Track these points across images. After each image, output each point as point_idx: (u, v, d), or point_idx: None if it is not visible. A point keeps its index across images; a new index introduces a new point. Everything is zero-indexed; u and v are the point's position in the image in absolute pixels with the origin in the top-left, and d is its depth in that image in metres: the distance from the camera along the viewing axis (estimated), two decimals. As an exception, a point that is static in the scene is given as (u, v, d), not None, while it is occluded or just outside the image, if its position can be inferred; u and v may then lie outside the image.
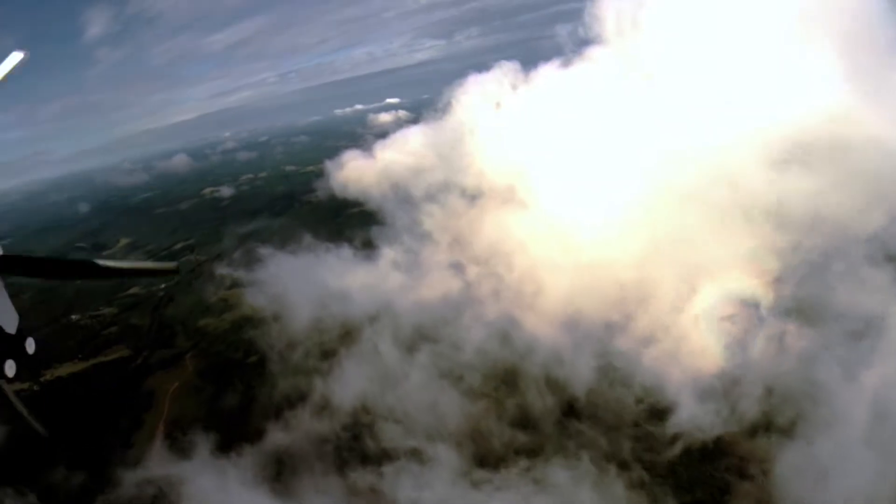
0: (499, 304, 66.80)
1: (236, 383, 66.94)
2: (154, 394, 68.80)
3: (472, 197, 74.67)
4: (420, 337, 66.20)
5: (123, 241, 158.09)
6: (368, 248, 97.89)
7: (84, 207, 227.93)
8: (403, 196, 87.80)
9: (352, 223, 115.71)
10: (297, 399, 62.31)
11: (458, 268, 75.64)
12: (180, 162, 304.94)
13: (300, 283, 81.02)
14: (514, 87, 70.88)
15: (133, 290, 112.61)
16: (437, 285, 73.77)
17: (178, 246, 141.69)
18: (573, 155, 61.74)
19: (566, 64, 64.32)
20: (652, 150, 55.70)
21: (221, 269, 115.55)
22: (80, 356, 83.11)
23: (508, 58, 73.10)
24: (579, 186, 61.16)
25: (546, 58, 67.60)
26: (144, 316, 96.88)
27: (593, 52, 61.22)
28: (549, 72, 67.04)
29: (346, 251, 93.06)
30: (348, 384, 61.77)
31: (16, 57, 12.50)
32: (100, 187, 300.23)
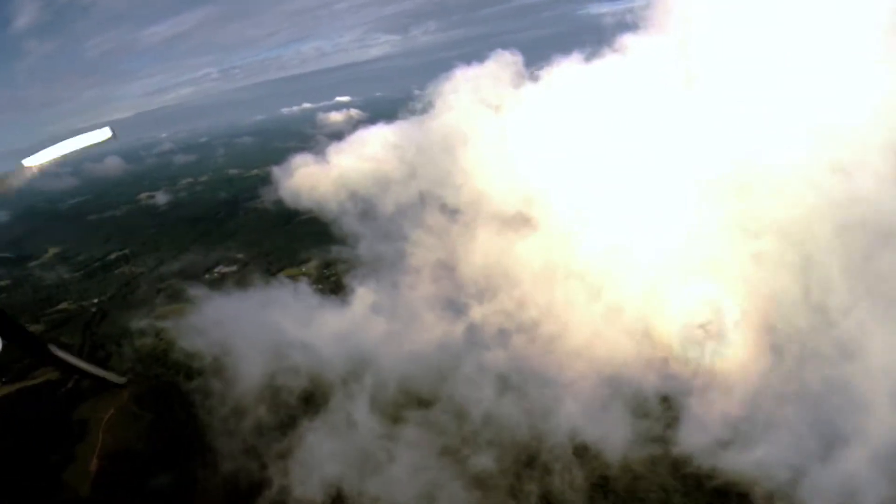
0: (508, 352, 55.71)
1: (177, 410, 63.32)
2: (87, 423, 64.73)
3: (453, 212, 63.16)
4: (409, 400, 54.37)
5: (52, 251, 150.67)
6: (332, 276, 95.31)
7: (4, 215, 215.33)
8: (367, 209, 78.70)
9: (307, 241, 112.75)
10: (247, 490, 50.66)
11: (452, 305, 62.62)
12: (113, 165, 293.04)
13: (247, 327, 66.16)
14: (516, 83, 60.02)
15: (62, 306, 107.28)
16: (427, 329, 60.40)
17: (113, 256, 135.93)
18: (597, 168, 52.13)
19: (588, 58, 55.36)
20: (699, 168, 47.11)
21: (160, 284, 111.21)
22: (3, 380, 77.98)
23: (468, 55, 64.43)
24: (604, 207, 51.76)
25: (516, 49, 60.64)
26: (75, 334, 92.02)
27: (627, 44, 52.42)
28: (566, 66, 56.85)
29: (304, 285, 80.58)
30: (315, 468, 49.76)
31: (104, 133, 12.41)
32: (24, 191, 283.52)
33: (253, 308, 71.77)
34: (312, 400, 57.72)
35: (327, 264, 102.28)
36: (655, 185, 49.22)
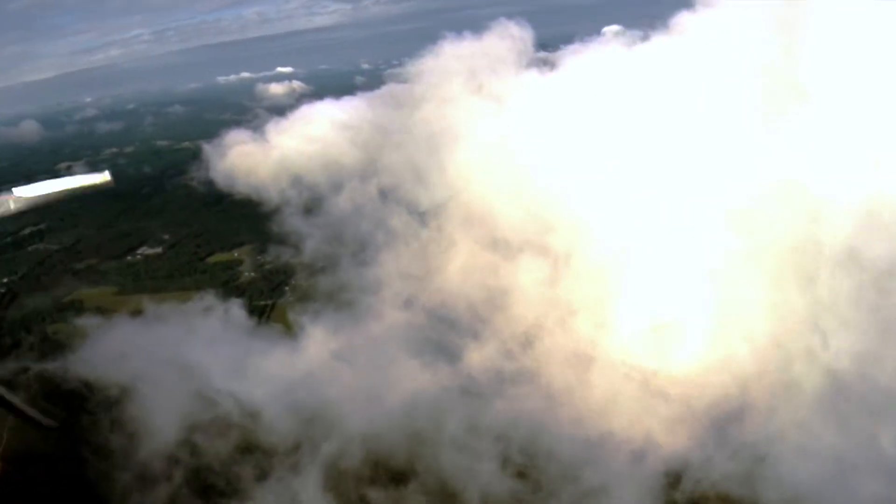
0: (510, 405, 44.08)
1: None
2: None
3: (424, 217, 53.15)
4: (376, 473, 41.01)
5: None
6: (267, 265, 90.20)
7: None
8: (314, 201, 69.79)
9: (240, 223, 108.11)
10: None
11: (433, 342, 49.74)
12: (30, 130, 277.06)
13: (162, 361, 48.12)
14: (521, 65, 49.53)
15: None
16: (401, 374, 47.16)
17: (26, 231, 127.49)
18: (621, 178, 43.58)
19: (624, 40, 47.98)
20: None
21: (77, 264, 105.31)
22: None
23: (422, 30, 58.84)
24: (631, 228, 43.27)
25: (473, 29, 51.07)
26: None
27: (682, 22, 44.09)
28: (592, 50, 49.24)
29: (237, 308, 62.81)
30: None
31: (102, 178, 10.75)
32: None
33: (171, 335, 53.45)
34: (245, 469, 42.52)
35: (262, 250, 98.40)
36: (691, 204, 42.01)
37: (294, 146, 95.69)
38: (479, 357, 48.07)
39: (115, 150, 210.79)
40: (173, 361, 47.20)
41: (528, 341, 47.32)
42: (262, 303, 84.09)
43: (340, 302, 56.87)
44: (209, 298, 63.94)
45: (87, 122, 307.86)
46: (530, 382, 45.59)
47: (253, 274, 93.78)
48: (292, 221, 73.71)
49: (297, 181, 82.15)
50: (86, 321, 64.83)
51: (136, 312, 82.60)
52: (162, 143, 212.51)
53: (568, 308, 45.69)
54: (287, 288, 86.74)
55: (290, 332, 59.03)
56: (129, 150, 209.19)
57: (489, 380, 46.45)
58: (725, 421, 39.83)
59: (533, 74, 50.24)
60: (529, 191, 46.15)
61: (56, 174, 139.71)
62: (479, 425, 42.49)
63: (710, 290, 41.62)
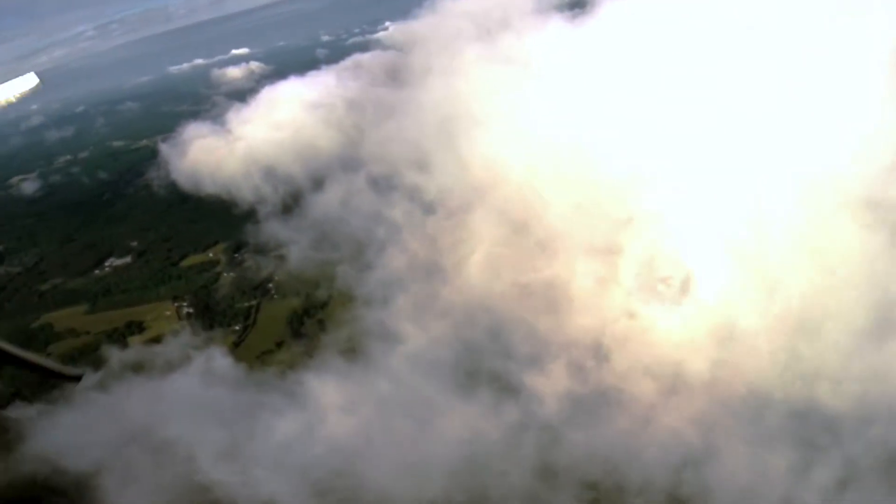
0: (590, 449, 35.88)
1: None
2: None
3: (430, 208, 45.02)
4: None
5: None
6: (244, 263, 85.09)
7: None
8: (296, 198, 59.34)
9: (211, 220, 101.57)
10: None
11: (474, 369, 40.45)
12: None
13: (133, 442, 38.54)
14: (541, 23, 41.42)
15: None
16: (448, 416, 37.96)
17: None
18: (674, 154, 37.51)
19: None
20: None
21: (41, 285, 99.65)
22: None
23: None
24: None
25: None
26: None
27: None
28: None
29: (221, 356, 54.06)
30: None
31: (30, 80, 10.50)
32: None
33: (144, 403, 43.77)
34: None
35: (238, 247, 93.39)
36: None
37: (261, 135, 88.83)
38: (539, 381, 39.45)
39: (68, 157, 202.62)
40: (149, 438, 37.75)
41: (597, 355, 39.86)
42: (247, 304, 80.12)
43: (347, 324, 47.78)
44: (185, 337, 56.93)
45: (36, 130, 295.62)
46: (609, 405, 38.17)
47: (232, 273, 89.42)
48: (271, 223, 67.16)
49: (269, 174, 75.11)
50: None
51: (112, 333, 78.42)
52: (117, 143, 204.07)
53: (630, 312, 39.08)
54: (271, 285, 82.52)
55: (290, 366, 50.86)
56: (83, 155, 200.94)
57: (557, 408, 38.23)
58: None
59: (558, 27, 42.31)
60: (566, 169, 39.34)
61: (8, 189, 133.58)
62: (555, 465, 35.10)
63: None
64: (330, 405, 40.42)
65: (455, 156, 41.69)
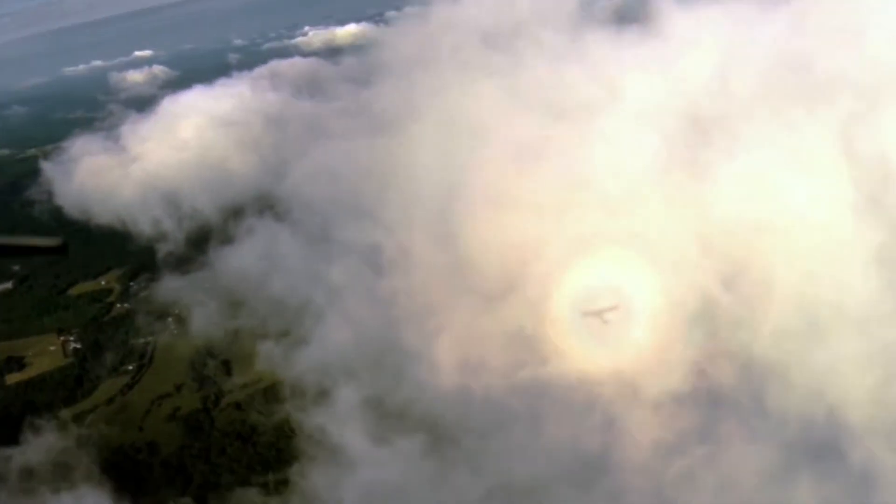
0: None
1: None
2: None
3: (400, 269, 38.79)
4: None
5: None
6: (143, 294, 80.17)
7: None
8: (203, 236, 52.32)
9: (105, 243, 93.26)
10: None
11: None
12: None
13: None
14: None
15: None
16: None
17: None
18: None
19: None
20: None
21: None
22: None
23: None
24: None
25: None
26: None
27: None
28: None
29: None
30: None
31: (51, 241, 8.82)
32: None
33: None
34: None
35: (133, 274, 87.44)
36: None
37: (161, 156, 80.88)
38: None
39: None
40: None
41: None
42: (143, 340, 74.57)
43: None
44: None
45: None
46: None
47: (127, 305, 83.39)
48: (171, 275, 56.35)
49: (172, 203, 66.65)
50: None
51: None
52: (2, 152, 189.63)
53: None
54: (171, 319, 76.70)
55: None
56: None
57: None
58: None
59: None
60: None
61: None
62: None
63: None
64: None
65: (410, 194, 35.50)
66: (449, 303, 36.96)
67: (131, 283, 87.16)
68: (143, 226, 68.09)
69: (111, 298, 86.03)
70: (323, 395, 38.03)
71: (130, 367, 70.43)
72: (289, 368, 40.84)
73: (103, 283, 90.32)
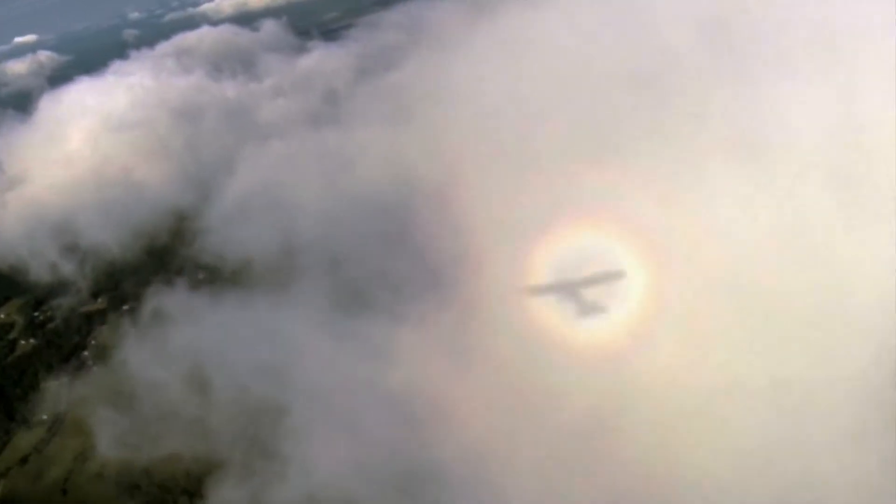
0: None
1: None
2: None
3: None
4: None
5: None
6: (48, 324, 69.30)
7: None
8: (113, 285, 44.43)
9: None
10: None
11: None
12: None
13: None
14: None
15: None
16: None
17: None
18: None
19: None
20: None
21: None
22: None
23: None
24: None
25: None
26: None
27: None
28: None
29: None
30: None
31: None
32: None
33: None
34: None
35: (38, 303, 77.99)
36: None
37: (46, 177, 66.88)
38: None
39: None
40: None
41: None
42: (56, 382, 65.62)
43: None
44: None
45: None
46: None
47: (32, 340, 73.46)
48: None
49: (66, 238, 53.60)
50: None
51: None
52: None
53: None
54: (86, 352, 68.45)
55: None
56: None
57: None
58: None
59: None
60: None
61: None
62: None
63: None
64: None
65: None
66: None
67: (35, 314, 77.13)
68: (38, 270, 56.76)
69: (13, 334, 75.83)
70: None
71: (44, 418, 61.35)
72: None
73: (2, 315, 79.98)
